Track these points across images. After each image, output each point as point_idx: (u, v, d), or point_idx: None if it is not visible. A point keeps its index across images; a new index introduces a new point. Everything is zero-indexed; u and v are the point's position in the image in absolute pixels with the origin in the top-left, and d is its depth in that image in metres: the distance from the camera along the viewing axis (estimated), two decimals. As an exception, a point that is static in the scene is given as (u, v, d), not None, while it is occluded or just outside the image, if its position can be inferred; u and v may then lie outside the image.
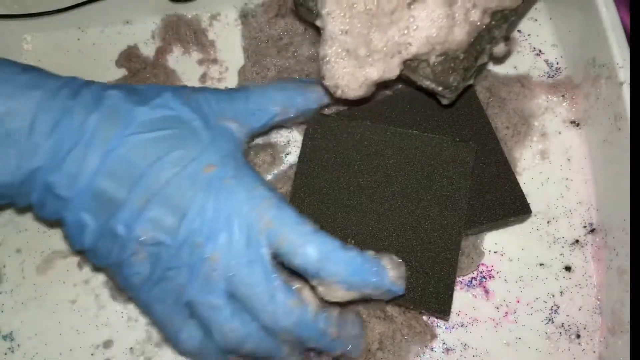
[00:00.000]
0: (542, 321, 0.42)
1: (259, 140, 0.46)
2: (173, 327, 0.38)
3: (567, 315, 0.42)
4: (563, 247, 0.43)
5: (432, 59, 0.39)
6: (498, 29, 0.40)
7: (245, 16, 0.49)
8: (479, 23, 0.38)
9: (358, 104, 0.44)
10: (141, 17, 0.50)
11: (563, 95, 0.46)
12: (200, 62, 0.49)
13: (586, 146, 0.45)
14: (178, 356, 0.42)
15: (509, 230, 0.44)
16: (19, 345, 0.43)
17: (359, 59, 0.38)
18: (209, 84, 0.48)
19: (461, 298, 0.43)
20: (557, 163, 0.45)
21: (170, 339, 0.39)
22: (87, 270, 0.45)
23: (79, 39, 0.51)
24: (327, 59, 0.39)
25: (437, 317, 0.42)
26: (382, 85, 0.41)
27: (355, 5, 0.38)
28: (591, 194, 0.44)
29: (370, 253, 0.37)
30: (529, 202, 0.42)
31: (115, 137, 0.36)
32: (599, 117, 0.43)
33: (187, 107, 0.38)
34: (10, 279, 0.45)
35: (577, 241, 0.43)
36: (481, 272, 0.43)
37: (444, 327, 0.42)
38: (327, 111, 0.45)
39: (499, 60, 0.40)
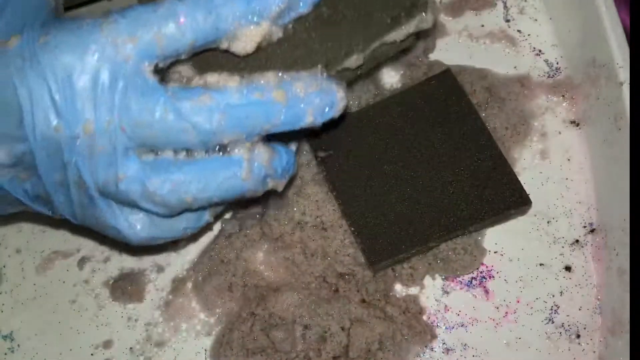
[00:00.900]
0: (542, 321, 0.42)
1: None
2: (111, 226, 0.34)
3: (567, 315, 0.42)
4: (563, 247, 0.43)
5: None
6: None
7: None
8: None
9: None
10: None
11: (563, 95, 0.46)
12: None
13: (586, 146, 0.45)
14: (178, 355, 0.42)
15: (509, 230, 0.43)
16: (18, 346, 0.43)
17: None
18: None
19: (461, 298, 0.43)
20: (557, 163, 0.45)
21: (119, 239, 0.35)
22: (87, 270, 0.45)
23: None
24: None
25: (519, 213, 0.43)
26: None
27: None
28: (591, 194, 0.44)
29: None
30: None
31: None
32: (599, 117, 0.43)
33: None
34: (10, 279, 0.45)
35: (577, 241, 0.43)
36: (481, 272, 0.43)
37: (444, 328, 0.42)
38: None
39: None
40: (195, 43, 0.30)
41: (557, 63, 0.47)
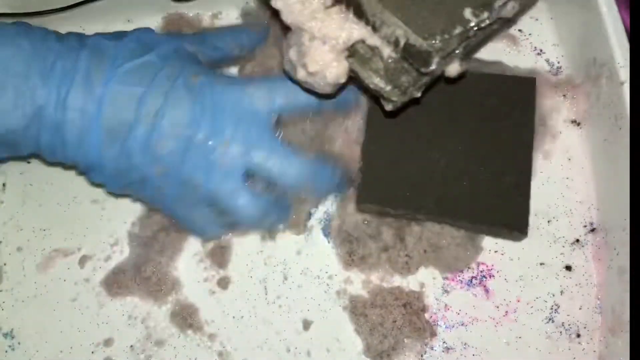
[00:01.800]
0: (542, 320, 0.42)
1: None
2: (196, 223, 0.43)
3: (568, 315, 0.42)
4: (563, 246, 0.43)
5: (387, 53, 0.36)
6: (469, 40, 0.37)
7: (246, 15, 0.49)
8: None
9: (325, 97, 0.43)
10: (142, 16, 0.50)
11: (564, 95, 0.46)
12: None
13: (587, 146, 0.45)
14: (178, 353, 0.43)
15: (509, 230, 0.43)
16: (19, 343, 0.44)
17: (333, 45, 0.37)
18: None
19: (461, 297, 0.43)
20: (558, 162, 0.45)
21: (196, 233, 0.44)
22: (88, 268, 0.45)
23: None
24: (304, 45, 0.37)
25: (512, 237, 0.43)
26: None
27: None
28: (592, 194, 0.44)
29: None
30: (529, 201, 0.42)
31: (107, 70, 0.38)
32: (600, 116, 0.43)
33: (155, 36, 0.42)
34: (10, 277, 0.45)
35: (577, 240, 0.43)
36: (481, 271, 0.43)
37: (444, 326, 0.42)
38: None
39: (449, 80, 0.39)
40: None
41: (558, 62, 0.47)
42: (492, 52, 0.47)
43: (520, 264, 0.43)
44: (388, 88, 0.37)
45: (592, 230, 0.43)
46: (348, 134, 0.45)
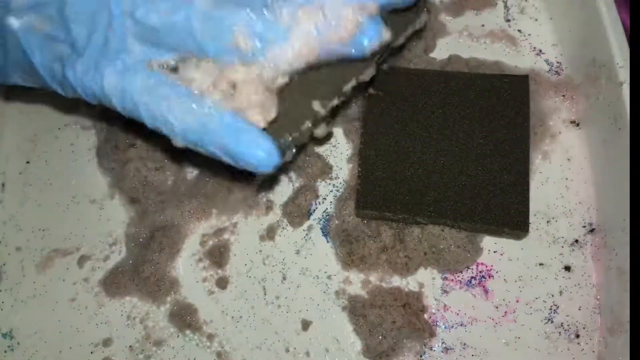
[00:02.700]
0: (542, 321, 0.42)
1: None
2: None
3: (567, 315, 0.42)
4: (563, 247, 0.43)
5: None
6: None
7: None
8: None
9: None
10: None
11: (563, 95, 0.46)
12: None
13: (586, 146, 0.45)
14: (176, 354, 0.43)
15: (508, 230, 0.43)
16: (18, 343, 0.43)
17: None
18: None
19: (460, 297, 0.43)
20: (557, 163, 0.45)
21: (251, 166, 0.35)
22: (86, 268, 0.45)
23: None
24: None
25: (513, 236, 0.43)
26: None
27: None
28: (591, 194, 0.44)
29: None
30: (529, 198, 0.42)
31: None
32: (599, 117, 0.43)
33: None
34: (10, 277, 0.45)
35: (576, 241, 0.43)
36: (480, 272, 0.43)
37: (443, 327, 0.42)
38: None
39: (320, 141, 0.39)
40: None
41: (558, 63, 0.47)
42: (492, 52, 0.47)
43: (519, 264, 0.43)
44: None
45: (592, 230, 0.43)
46: None
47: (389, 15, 0.36)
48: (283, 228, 0.45)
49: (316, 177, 0.46)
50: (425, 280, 0.43)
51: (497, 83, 0.44)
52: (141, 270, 0.44)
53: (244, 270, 0.44)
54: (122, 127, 0.47)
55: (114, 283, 0.44)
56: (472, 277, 0.43)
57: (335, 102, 0.38)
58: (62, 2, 0.33)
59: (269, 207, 0.46)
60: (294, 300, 0.43)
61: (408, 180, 0.42)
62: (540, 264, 0.43)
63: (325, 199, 0.45)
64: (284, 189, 0.46)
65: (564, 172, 0.45)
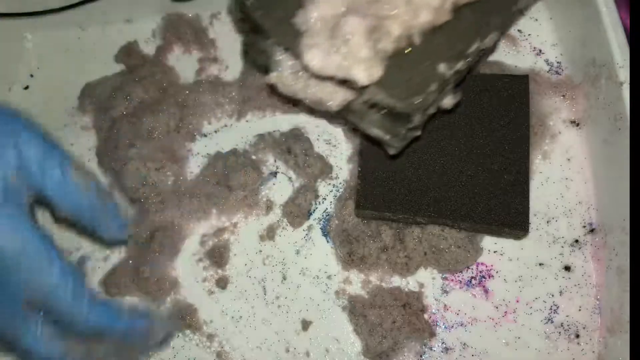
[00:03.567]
0: (542, 321, 0.42)
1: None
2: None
3: (567, 315, 0.42)
4: (563, 246, 0.43)
5: (384, 101, 0.37)
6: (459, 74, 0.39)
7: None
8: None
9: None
10: (142, 15, 0.50)
11: (563, 95, 0.46)
12: (201, 60, 0.49)
13: (586, 146, 0.45)
14: (177, 353, 0.43)
15: (508, 230, 0.43)
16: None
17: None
18: (204, 79, 0.49)
19: (460, 297, 0.43)
20: (557, 163, 0.45)
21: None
22: (86, 268, 0.45)
23: (79, 38, 0.51)
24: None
25: (513, 236, 0.43)
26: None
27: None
28: (591, 194, 0.44)
29: None
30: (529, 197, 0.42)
31: None
32: (599, 117, 0.43)
33: None
34: None
35: (576, 241, 0.43)
36: (480, 272, 0.43)
37: (443, 327, 0.42)
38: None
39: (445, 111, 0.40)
40: None
41: (558, 63, 0.47)
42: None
43: (519, 264, 0.43)
44: (387, 137, 0.39)
45: (592, 230, 0.43)
46: None
47: None
48: (283, 228, 0.45)
49: (316, 177, 0.46)
50: (425, 280, 0.43)
51: (497, 83, 0.44)
52: (141, 270, 0.44)
53: (244, 270, 0.44)
54: (122, 127, 0.47)
55: (114, 283, 0.44)
56: (472, 277, 0.43)
57: (460, 65, 0.37)
58: None
59: (269, 207, 0.46)
60: (294, 300, 0.43)
61: (408, 181, 0.42)
62: (540, 264, 0.43)
63: (325, 199, 0.45)
64: (284, 189, 0.46)
65: (564, 172, 0.44)
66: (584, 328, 0.41)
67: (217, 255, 0.45)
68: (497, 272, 0.43)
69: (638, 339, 0.35)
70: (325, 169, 0.46)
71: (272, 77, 0.39)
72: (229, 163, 0.45)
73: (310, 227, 0.45)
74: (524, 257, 0.43)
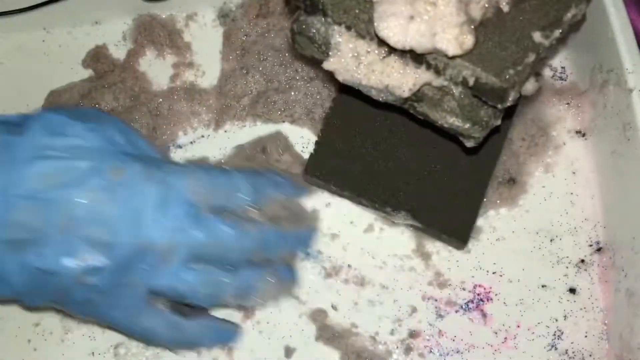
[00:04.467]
0: (545, 347, 0.41)
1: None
2: (142, 326, 0.39)
3: (572, 342, 0.41)
4: (567, 267, 0.42)
5: (458, 91, 0.36)
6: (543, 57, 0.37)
7: (224, 16, 0.49)
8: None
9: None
10: (111, 17, 0.49)
11: (568, 103, 0.45)
12: (175, 65, 0.48)
13: (593, 158, 0.44)
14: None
15: (508, 249, 0.43)
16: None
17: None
18: (179, 85, 0.48)
19: (457, 322, 0.42)
20: (562, 176, 0.44)
21: (143, 338, 0.40)
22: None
23: (43, 41, 0.50)
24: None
25: (451, 243, 0.42)
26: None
27: None
28: (598, 210, 0.43)
29: None
30: (529, 218, 0.42)
31: (12, 172, 0.35)
32: (607, 126, 0.42)
33: (67, 121, 0.38)
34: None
35: (582, 261, 0.42)
36: (479, 294, 0.42)
37: (438, 354, 0.41)
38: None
39: (526, 98, 0.39)
40: None
41: (562, 68, 0.46)
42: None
43: (520, 286, 0.42)
44: (467, 126, 0.37)
45: (599, 249, 0.42)
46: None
47: None
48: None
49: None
50: (418, 304, 0.42)
51: None
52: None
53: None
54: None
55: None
56: (469, 301, 0.42)
57: (558, 34, 0.35)
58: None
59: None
60: (276, 325, 0.42)
61: (363, 161, 0.43)
62: (543, 286, 0.42)
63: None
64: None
65: (569, 186, 0.44)
66: (590, 355, 0.40)
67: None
68: (496, 294, 0.42)
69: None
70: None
71: (330, 62, 0.36)
72: None
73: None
74: (525, 279, 0.42)
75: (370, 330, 0.41)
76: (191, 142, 0.46)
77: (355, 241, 0.43)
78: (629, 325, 0.38)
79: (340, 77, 0.37)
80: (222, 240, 0.38)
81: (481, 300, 0.42)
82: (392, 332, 0.41)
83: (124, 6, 0.48)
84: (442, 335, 0.41)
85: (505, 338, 0.41)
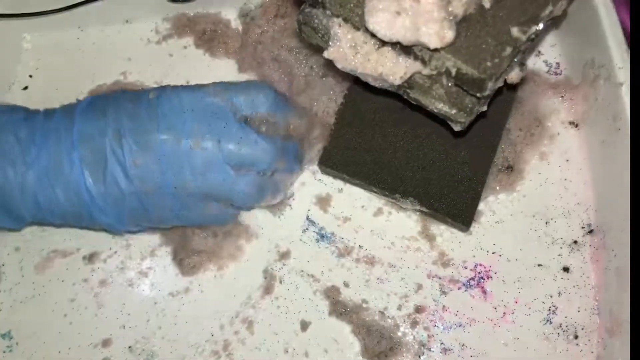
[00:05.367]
0: (540, 322, 0.42)
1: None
2: (209, 219, 0.43)
3: (565, 316, 0.42)
4: (561, 247, 0.43)
5: (445, 80, 0.37)
6: (524, 48, 0.38)
7: (244, 16, 0.50)
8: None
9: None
10: (141, 16, 0.50)
11: (562, 96, 0.46)
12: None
13: (585, 147, 0.45)
14: (174, 350, 0.43)
15: (507, 231, 0.44)
16: (17, 344, 0.43)
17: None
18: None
19: (459, 298, 0.43)
20: (556, 164, 0.45)
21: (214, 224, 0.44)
22: (86, 268, 0.45)
23: (78, 38, 0.51)
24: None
25: (456, 227, 0.43)
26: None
27: None
28: (590, 195, 0.44)
29: None
30: (526, 202, 0.43)
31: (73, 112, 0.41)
32: (598, 118, 0.43)
33: None
34: (9, 278, 0.45)
35: (575, 242, 0.43)
36: (479, 273, 0.43)
37: (442, 328, 0.42)
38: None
39: (511, 86, 0.40)
40: None
41: (557, 63, 0.47)
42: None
43: (517, 265, 0.43)
44: (454, 111, 0.38)
45: (590, 231, 0.43)
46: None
47: None
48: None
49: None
50: (423, 281, 0.43)
51: None
52: (140, 270, 0.44)
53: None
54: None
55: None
56: (471, 279, 0.43)
57: (534, 29, 0.36)
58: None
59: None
60: (293, 301, 0.43)
61: (373, 151, 0.44)
62: (538, 265, 0.43)
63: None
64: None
65: (563, 173, 0.44)
66: (582, 329, 0.41)
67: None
68: (495, 273, 0.43)
69: (638, 340, 0.35)
70: None
71: (330, 51, 0.38)
72: None
73: (305, 230, 0.45)
74: (522, 258, 0.43)
75: (380, 305, 0.42)
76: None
77: (366, 224, 0.44)
78: (618, 301, 0.39)
79: (339, 65, 0.38)
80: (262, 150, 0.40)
81: (482, 278, 0.43)
82: (399, 308, 0.42)
83: (152, 7, 0.49)
84: (446, 310, 0.42)
85: (504, 313, 0.42)
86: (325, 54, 0.38)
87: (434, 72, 0.37)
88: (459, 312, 0.42)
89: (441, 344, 0.42)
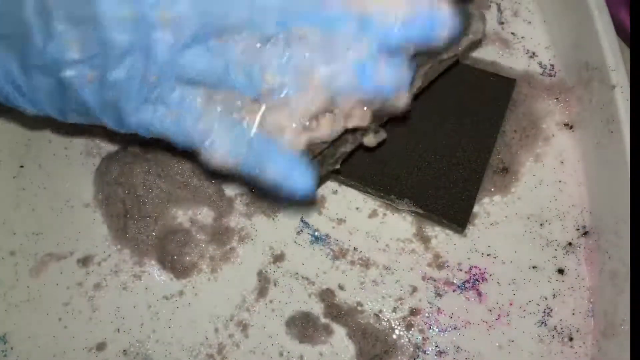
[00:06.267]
0: (535, 324, 0.42)
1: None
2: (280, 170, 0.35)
3: (560, 318, 0.42)
4: (556, 249, 0.43)
5: None
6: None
7: None
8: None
9: None
10: None
11: (557, 98, 0.46)
12: None
13: (579, 149, 0.45)
14: (169, 354, 0.43)
15: (502, 233, 0.44)
16: (12, 348, 0.43)
17: None
18: None
19: (454, 300, 0.43)
20: (551, 166, 0.45)
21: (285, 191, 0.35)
22: (80, 272, 0.45)
23: None
24: None
25: (452, 228, 0.43)
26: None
27: None
28: (584, 197, 0.44)
29: None
30: (521, 204, 0.43)
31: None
32: (592, 119, 0.43)
33: None
34: (3, 282, 0.45)
35: (570, 244, 0.43)
36: (474, 275, 0.43)
37: (436, 330, 0.42)
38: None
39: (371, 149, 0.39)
40: None
41: (551, 65, 0.47)
42: (485, 55, 0.47)
43: (512, 267, 0.43)
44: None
45: (585, 233, 0.43)
46: None
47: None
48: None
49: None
50: (418, 284, 0.43)
51: (484, 79, 0.44)
52: (135, 274, 0.44)
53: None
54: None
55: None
56: (466, 281, 0.43)
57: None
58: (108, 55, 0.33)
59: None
60: (287, 304, 0.43)
61: (368, 153, 0.43)
62: (533, 267, 0.43)
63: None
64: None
65: (557, 174, 0.44)
66: (577, 331, 0.41)
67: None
68: (490, 275, 0.43)
69: (635, 342, 0.35)
70: None
71: None
72: None
73: (299, 232, 0.45)
74: (517, 260, 0.43)
75: (375, 308, 0.42)
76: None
77: (361, 226, 0.44)
78: (612, 303, 0.39)
79: None
80: None
81: (477, 280, 0.43)
82: (394, 310, 0.42)
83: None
84: (441, 312, 0.42)
85: (499, 315, 0.42)
86: None
87: None
88: (454, 315, 0.42)
89: (436, 346, 0.42)
